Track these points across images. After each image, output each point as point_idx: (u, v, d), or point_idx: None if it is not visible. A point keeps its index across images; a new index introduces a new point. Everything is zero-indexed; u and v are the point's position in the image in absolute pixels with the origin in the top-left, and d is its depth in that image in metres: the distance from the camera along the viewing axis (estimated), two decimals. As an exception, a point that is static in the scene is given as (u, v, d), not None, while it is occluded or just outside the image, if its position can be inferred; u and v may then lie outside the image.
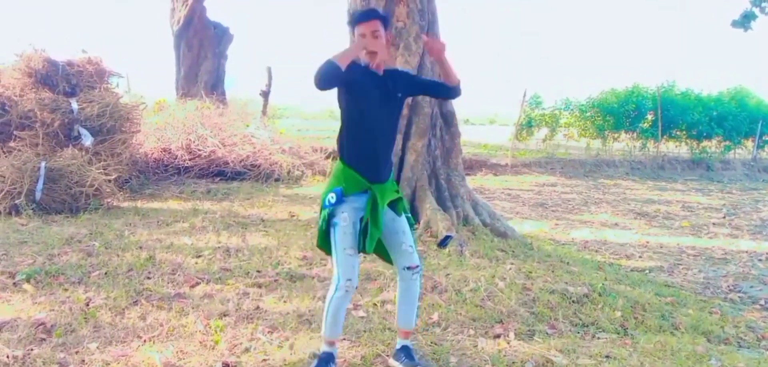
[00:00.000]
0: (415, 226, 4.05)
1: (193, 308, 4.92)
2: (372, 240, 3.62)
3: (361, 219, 3.65)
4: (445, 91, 4.01)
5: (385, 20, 3.71)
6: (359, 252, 3.67)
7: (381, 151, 3.73)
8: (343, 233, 3.61)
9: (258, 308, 4.99)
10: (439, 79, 4.01)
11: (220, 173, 12.06)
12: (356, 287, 3.71)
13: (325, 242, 3.76)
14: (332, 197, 3.63)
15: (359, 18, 3.65)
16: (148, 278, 5.66)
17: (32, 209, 8.27)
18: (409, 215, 3.95)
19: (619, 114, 19.18)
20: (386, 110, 3.73)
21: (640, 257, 8.05)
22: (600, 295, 5.59)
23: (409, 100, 7.73)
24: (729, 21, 13.71)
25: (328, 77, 3.43)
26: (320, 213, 3.73)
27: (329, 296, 3.66)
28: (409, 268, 3.80)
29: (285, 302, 5.15)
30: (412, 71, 3.85)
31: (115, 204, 9.20)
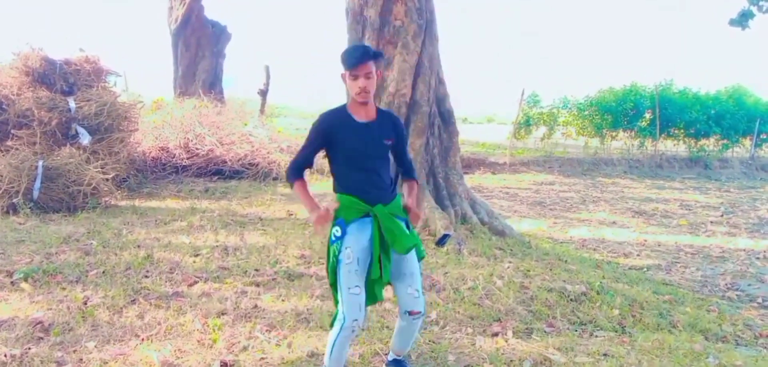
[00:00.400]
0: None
1: (191, 307, 4.92)
2: (386, 271, 3.50)
3: (371, 254, 3.50)
4: (407, 167, 3.82)
5: (377, 57, 3.57)
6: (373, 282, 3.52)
7: (375, 187, 3.56)
8: (347, 271, 3.44)
9: (256, 306, 4.98)
10: (409, 163, 3.84)
11: (218, 172, 12.05)
12: (363, 328, 3.59)
13: (336, 282, 3.56)
14: (337, 231, 3.49)
15: (351, 63, 3.46)
16: (146, 276, 5.65)
17: (30, 207, 8.27)
18: (421, 247, 3.73)
19: (618, 113, 19.18)
20: (374, 155, 3.57)
21: (637, 255, 8.06)
22: (598, 293, 5.60)
23: (407, 98, 7.74)
24: (727, 20, 13.72)
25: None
26: (328, 251, 3.57)
27: (334, 333, 3.47)
28: (410, 313, 3.59)
29: (283, 300, 5.15)
30: (402, 131, 3.68)
31: (112, 203, 9.20)
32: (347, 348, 3.54)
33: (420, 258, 3.68)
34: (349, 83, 3.49)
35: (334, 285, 3.54)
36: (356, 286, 3.42)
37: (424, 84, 7.72)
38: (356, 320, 3.39)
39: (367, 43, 7.55)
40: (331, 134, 3.52)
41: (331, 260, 3.51)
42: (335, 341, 3.45)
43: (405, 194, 3.75)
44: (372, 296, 3.52)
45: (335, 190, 3.63)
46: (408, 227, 3.62)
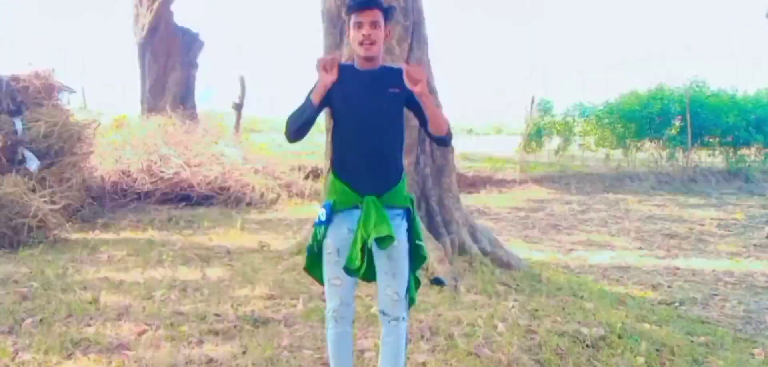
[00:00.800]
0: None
1: (135, 362, 4.69)
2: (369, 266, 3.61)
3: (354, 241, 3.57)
4: (428, 132, 3.74)
5: (388, 12, 3.62)
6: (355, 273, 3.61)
7: (374, 158, 3.59)
8: (328, 261, 3.65)
9: (211, 361, 4.75)
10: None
11: (184, 198, 12.03)
12: (350, 318, 3.70)
13: (312, 265, 3.79)
14: (322, 214, 3.63)
15: (355, 5, 3.54)
16: (89, 325, 5.44)
17: (-33, 244, 8.08)
18: (422, 244, 3.77)
19: (643, 120, 19.03)
20: (378, 110, 3.59)
21: (668, 287, 7.81)
22: (619, 337, 5.35)
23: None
24: (764, 13, 13.58)
25: (300, 128, 3.57)
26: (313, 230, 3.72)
27: (326, 332, 3.74)
28: (383, 313, 3.68)
29: (244, 352, 4.92)
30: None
31: (62, 236, 9.06)
32: (346, 348, 3.73)
33: (423, 259, 3.81)
34: (352, 33, 3.56)
35: (308, 270, 3.84)
36: (337, 278, 3.62)
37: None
38: (335, 308, 3.64)
39: (346, 48, 7.40)
40: (333, 85, 3.49)
41: (312, 241, 3.72)
42: (328, 341, 3.73)
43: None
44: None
45: (331, 168, 3.77)
46: (409, 222, 3.70)
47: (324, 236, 3.63)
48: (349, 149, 3.61)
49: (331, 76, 3.45)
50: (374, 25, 3.49)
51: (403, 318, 3.67)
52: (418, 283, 3.91)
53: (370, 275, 3.70)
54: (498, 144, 25.38)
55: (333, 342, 3.68)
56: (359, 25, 3.50)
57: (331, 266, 3.62)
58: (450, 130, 3.69)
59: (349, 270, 3.57)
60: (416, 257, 3.75)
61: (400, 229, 3.62)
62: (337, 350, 3.69)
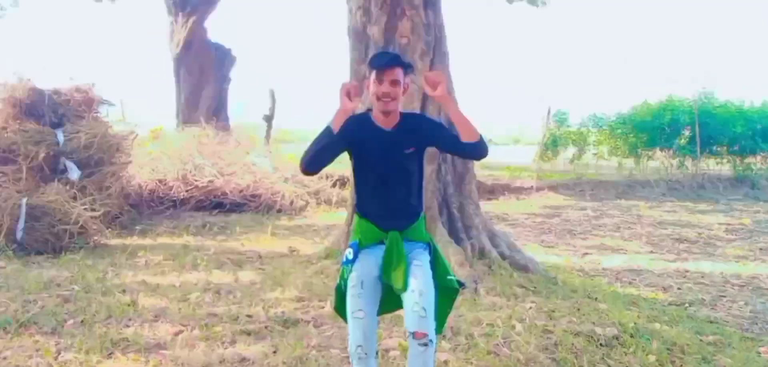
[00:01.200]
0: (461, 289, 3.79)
1: (172, 361, 4.70)
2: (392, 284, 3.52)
3: (378, 275, 3.56)
4: (463, 148, 3.63)
5: (407, 68, 3.60)
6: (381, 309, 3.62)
7: (392, 206, 3.64)
8: (351, 294, 3.51)
9: (244, 360, 4.75)
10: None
11: (218, 205, 12.00)
12: (373, 352, 3.47)
13: (341, 305, 3.67)
14: (349, 253, 3.59)
15: (377, 64, 3.52)
16: (128, 326, 5.47)
17: (13, 249, 8.14)
18: (452, 278, 3.70)
19: (653, 130, 18.83)
20: (395, 169, 3.62)
21: (678, 289, 7.72)
22: (632, 336, 5.29)
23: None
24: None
25: (316, 153, 3.46)
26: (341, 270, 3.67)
27: None
28: (414, 335, 3.36)
29: (275, 352, 4.91)
30: (440, 120, 3.68)
31: (102, 242, 9.08)
32: None
33: (455, 292, 3.74)
34: (372, 86, 3.53)
35: (338, 309, 3.73)
36: (360, 310, 3.47)
37: (433, 106, 7.49)
38: (360, 345, 3.42)
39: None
40: (352, 135, 3.54)
41: (339, 281, 3.65)
42: None
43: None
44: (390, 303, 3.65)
45: (355, 209, 3.77)
46: (434, 259, 3.65)
47: (348, 275, 3.57)
48: (369, 197, 3.66)
49: (353, 105, 3.45)
50: (394, 83, 3.48)
51: (432, 342, 3.36)
52: (447, 315, 3.81)
53: (393, 305, 3.70)
54: (516, 153, 25.18)
55: None
56: (380, 81, 3.49)
57: (355, 299, 3.49)
58: (482, 138, 3.55)
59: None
60: (449, 291, 3.70)
61: (423, 254, 3.61)
62: None
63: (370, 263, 3.56)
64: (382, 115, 3.57)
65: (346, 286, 3.56)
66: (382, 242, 3.58)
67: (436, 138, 3.73)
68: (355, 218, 3.74)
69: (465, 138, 3.52)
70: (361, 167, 3.67)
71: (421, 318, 3.35)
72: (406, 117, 3.69)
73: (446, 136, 3.71)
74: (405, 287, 3.46)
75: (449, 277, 3.68)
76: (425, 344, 3.33)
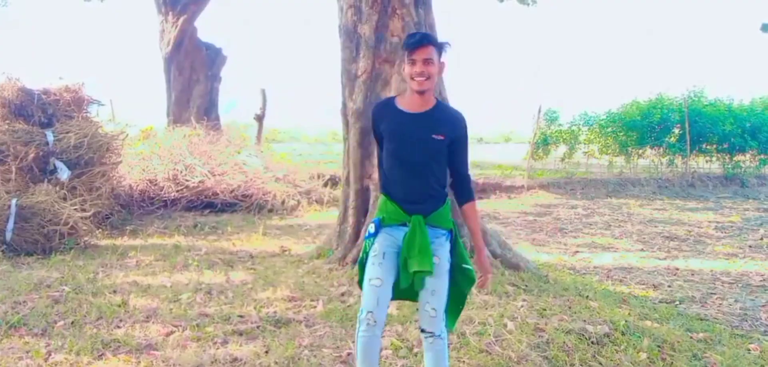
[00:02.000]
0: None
1: (163, 362, 4.68)
2: (406, 275, 3.55)
3: (398, 254, 3.61)
4: (458, 181, 3.80)
5: (441, 47, 3.65)
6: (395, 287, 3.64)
7: (417, 191, 3.63)
8: (371, 262, 3.60)
9: (235, 360, 4.74)
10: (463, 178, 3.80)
11: (209, 205, 11.96)
12: (382, 323, 3.55)
13: (364, 279, 3.71)
14: (371, 227, 3.67)
15: (410, 44, 3.58)
16: (118, 327, 5.44)
17: (2, 250, 8.09)
18: (470, 267, 3.76)
19: (643, 128, 18.86)
20: (421, 153, 3.61)
21: (669, 286, 7.74)
22: (623, 334, 5.31)
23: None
24: (759, 25, 13.43)
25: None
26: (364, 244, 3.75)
27: (356, 334, 3.58)
28: (423, 331, 3.61)
29: (266, 352, 4.90)
30: (462, 133, 3.71)
31: (92, 243, 9.03)
32: (374, 352, 3.55)
33: (471, 281, 3.77)
34: (406, 68, 3.60)
35: (361, 282, 3.71)
36: (377, 278, 3.54)
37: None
38: (371, 311, 3.48)
39: (362, 61, 7.37)
40: (379, 123, 3.73)
41: (362, 255, 3.72)
42: (357, 342, 3.54)
43: (470, 232, 3.84)
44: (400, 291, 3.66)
45: (381, 189, 3.81)
46: (453, 245, 3.69)
47: (370, 247, 3.65)
48: (395, 181, 3.67)
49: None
50: (427, 62, 3.52)
51: (440, 335, 3.58)
52: (460, 308, 3.88)
53: (400, 293, 3.72)
54: (507, 152, 25.23)
55: (363, 346, 3.52)
56: (413, 62, 3.54)
57: (375, 267, 3.57)
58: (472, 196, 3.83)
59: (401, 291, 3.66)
60: (465, 279, 3.76)
61: (442, 247, 3.63)
62: (366, 355, 3.54)
63: (391, 237, 3.62)
64: (416, 98, 3.61)
65: (366, 257, 3.65)
66: (404, 224, 3.59)
67: (454, 149, 3.70)
68: (381, 197, 3.76)
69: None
70: (388, 149, 3.68)
71: (432, 318, 3.56)
72: (441, 106, 3.75)
73: (460, 159, 3.75)
74: (422, 285, 3.55)
75: (466, 265, 3.74)
76: (432, 335, 3.56)
